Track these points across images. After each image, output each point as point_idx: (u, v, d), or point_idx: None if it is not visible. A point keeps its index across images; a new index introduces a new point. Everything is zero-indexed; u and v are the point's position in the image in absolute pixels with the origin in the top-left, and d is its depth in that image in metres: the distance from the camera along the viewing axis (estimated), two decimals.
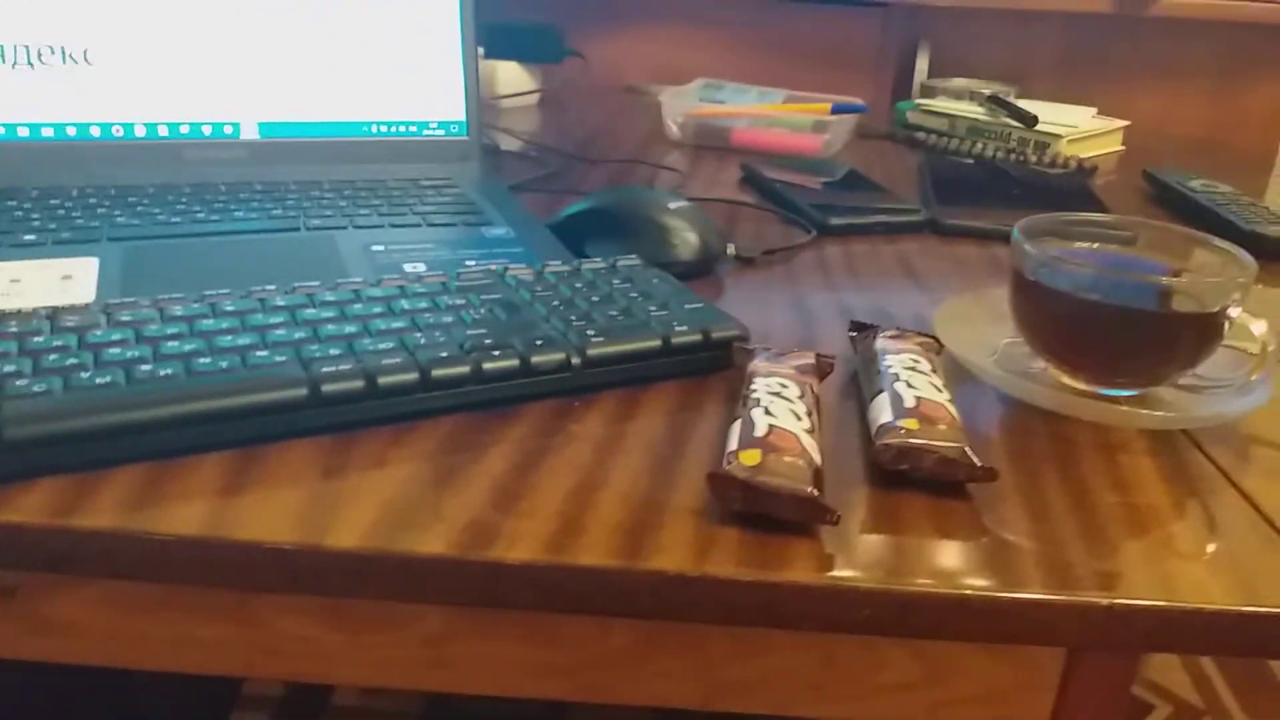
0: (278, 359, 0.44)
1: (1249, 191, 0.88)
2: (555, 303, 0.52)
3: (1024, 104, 1.09)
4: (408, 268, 0.59)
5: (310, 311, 0.48)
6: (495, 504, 0.38)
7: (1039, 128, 1.04)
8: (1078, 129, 1.05)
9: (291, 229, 0.64)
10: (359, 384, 0.43)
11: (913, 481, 0.41)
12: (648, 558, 0.35)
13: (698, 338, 0.50)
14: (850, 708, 0.42)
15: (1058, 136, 1.03)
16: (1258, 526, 0.40)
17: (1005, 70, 1.42)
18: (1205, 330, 0.47)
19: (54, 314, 0.46)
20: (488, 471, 0.40)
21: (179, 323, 0.46)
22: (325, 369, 0.43)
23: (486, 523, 0.37)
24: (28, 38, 0.70)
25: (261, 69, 0.75)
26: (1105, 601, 0.35)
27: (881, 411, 0.43)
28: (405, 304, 0.50)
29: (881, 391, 0.45)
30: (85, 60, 0.71)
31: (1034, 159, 1.02)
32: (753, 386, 0.44)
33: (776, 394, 0.43)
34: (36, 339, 0.44)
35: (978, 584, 0.35)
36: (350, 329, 0.47)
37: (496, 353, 0.46)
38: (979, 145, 1.05)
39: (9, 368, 0.41)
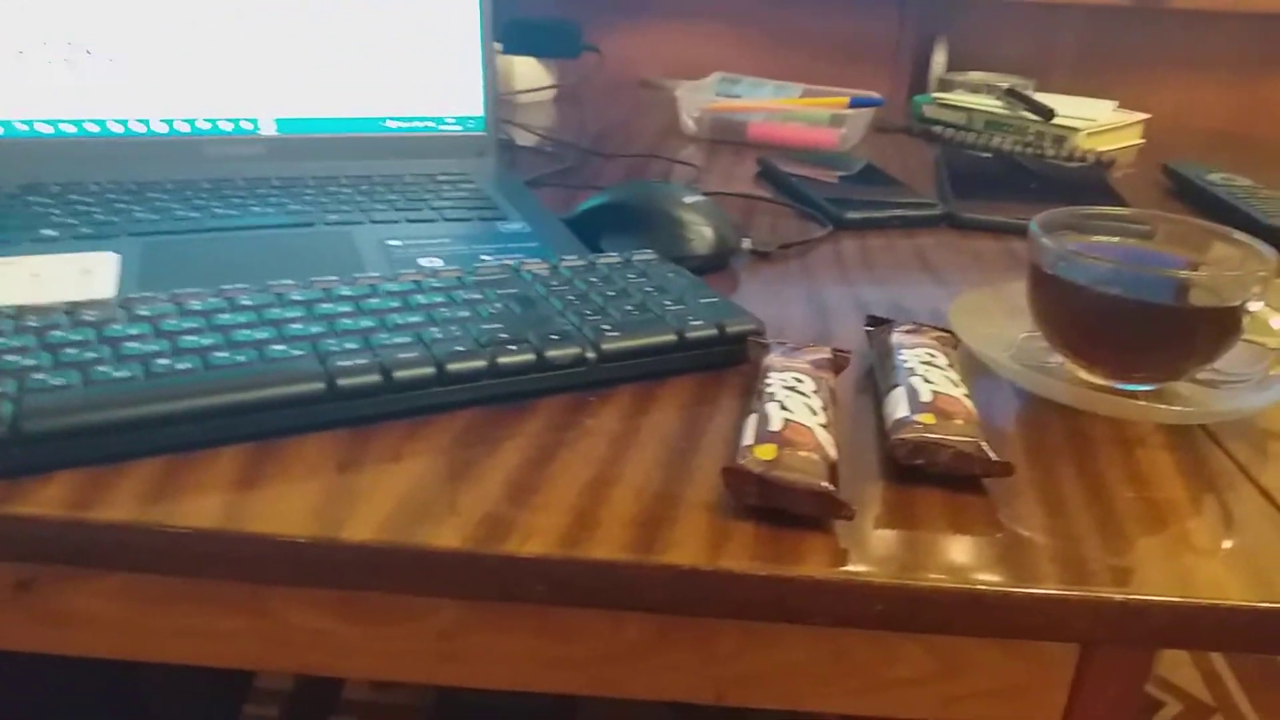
0: (294, 353, 0.44)
1: (1269, 184, 0.87)
2: (570, 297, 0.52)
3: (1042, 97, 1.08)
4: (424, 262, 0.60)
5: (327, 306, 0.49)
6: (509, 498, 0.38)
7: (1056, 121, 1.03)
8: (1096, 122, 1.04)
9: (308, 224, 0.64)
10: (375, 378, 0.43)
11: (928, 476, 0.41)
12: (661, 552, 0.35)
13: (713, 332, 0.50)
14: (862, 702, 0.42)
15: (1075, 130, 1.02)
16: (1275, 522, 0.40)
17: (1023, 63, 1.41)
18: (1224, 324, 0.47)
19: (73, 308, 0.47)
20: (502, 465, 0.40)
21: (196, 317, 0.47)
22: (341, 363, 0.43)
23: (501, 516, 0.37)
24: (48, 35, 0.70)
25: (280, 65, 0.76)
26: (1120, 597, 0.35)
27: (897, 406, 0.43)
28: (421, 299, 0.50)
29: (897, 386, 0.44)
30: (106, 57, 0.72)
31: (1052, 153, 1.01)
32: (768, 381, 0.44)
33: (792, 388, 0.43)
34: (56, 333, 0.44)
35: (992, 579, 0.35)
36: (366, 323, 0.47)
37: (512, 347, 0.46)
38: (996, 139, 1.04)
39: (28, 361, 0.42)
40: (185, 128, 0.74)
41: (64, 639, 0.43)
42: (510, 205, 0.70)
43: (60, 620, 0.42)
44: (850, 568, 0.35)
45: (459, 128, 0.81)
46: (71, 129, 0.71)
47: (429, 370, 0.44)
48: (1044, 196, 0.83)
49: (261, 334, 0.45)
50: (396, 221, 0.66)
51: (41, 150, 0.71)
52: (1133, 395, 0.48)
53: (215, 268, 0.57)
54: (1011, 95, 1.08)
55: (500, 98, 0.88)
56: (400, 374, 0.43)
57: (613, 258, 0.57)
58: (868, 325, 0.53)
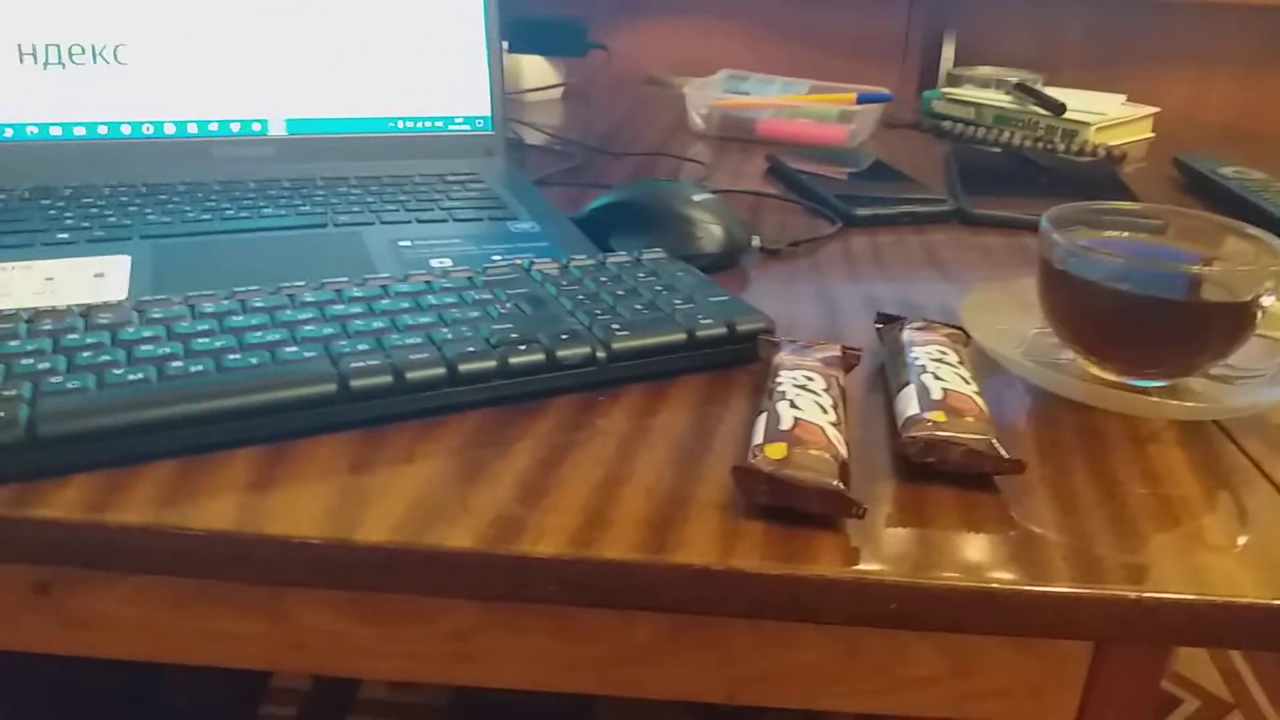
0: (307, 355, 0.44)
1: None
2: (580, 297, 0.52)
3: (1051, 92, 1.07)
4: (434, 263, 0.60)
5: (339, 307, 0.49)
6: (521, 499, 0.38)
7: (1067, 115, 1.03)
8: (1106, 116, 1.04)
9: (319, 225, 0.64)
10: (387, 379, 0.43)
11: (939, 474, 0.41)
12: (673, 551, 0.35)
13: (723, 331, 0.50)
14: (875, 701, 0.42)
15: (1086, 124, 1.02)
16: None
17: (1032, 57, 1.41)
18: (1237, 319, 0.47)
19: (87, 311, 0.47)
20: (514, 466, 0.40)
21: (209, 319, 0.47)
22: (354, 364, 0.43)
23: (513, 517, 0.37)
24: (58, 37, 0.71)
25: (288, 66, 0.76)
26: (1134, 595, 0.35)
27: (908, 403, 0.43)
28: (432, 299, 0.50)
29: (908, 383, 0.44)
30: (115, 59, 0.72)
31: (1062, 147, 1.00)
32: (778, 379, 0.44)
33: (802, 387, 0.43)
34: (70, 336, 0.45)
35: (1005, 577, 0.35)
36: (378, 324, 0.47)
37: (522, 347, 0.46)
38: (1006, 134, 1.04)
39: (43, 365, 0.42)
40: (195, 129, 0.74)
41: (82, 641, 0.43)
42: (519, 204, 0.71)
43: (79, 622, 0.43)
44: (863, 566, 0.35)
45: (467, 127, 0.81)
46: (82, 131, 0.72)
47: (440, 371, 0.44)
48: (1054, 192, 0.83)
49: (274, 336, 0.46)
50: (407, 222, 0.66)
51: (53, 153, 0.71)
52: (1145, 391, 0.48)
53: (227, 270, 0.57)
54: (1021, 90, 1.08)
55: (507, 97, 0.89)
56: (412, 375, 0.43)
57: (622, 257, 0.58)
58: (878, 322, 0.53)
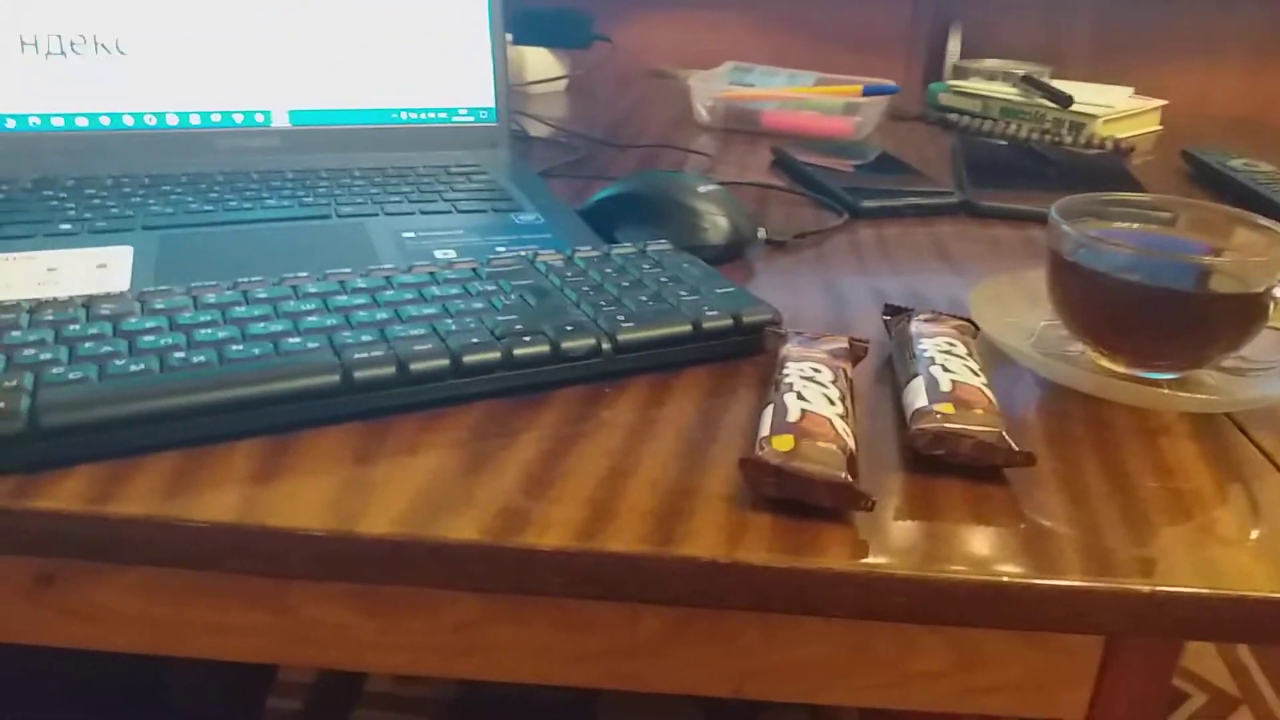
0: (310, 345, 0.44)
1: None
2: (585, 288, 0.51)
3: (1058, 84, 1.07)
4: (438, 254, 0.59)
5: (342, 298, 0.48)
6: (526, 490, 0.38)
7: (1074, 108, 1.02)
8: (1114, 109, 1.03)
9: (323, 216, 0.64)
10: (391, 370, 0.43)
11: (948, 467, 0.40)
12: (679, 544, 0.35)
13: (729, 322, 0.49)
14: (882, 695, 0.41)
15: (1093, 117, 1.01)
16: None
17: (1039, 50, 1.40)
18: (1249, 311, 0.46)
19: (90, 302, 0.47)
20: (519, 458, 0.40)
21: (212, 310, 0.47)
22: (357, 355, 0.43)
23: (518, 509, 0.37)
24: (60, 27, 0.70)
25: (292, 57, 0.76)
26: (1146, 588, 0.34)
27: (917, 396, 0.42)
28: (436, 290, 0.50)
29: (917, 375, 0.44)
30: (118, 50, 0.72)
31: (1069, 140, 1.00)
32: (785, 371, 0.43)
33: (809, 378, 0.42)
34: (73, 327, 0.44)
35: (1015, 571, 0.35)
36: (382, 315, 0.47)
37: (527, 339, 0.46)
38: (1013, 127, 1.04)
39: (45, 355, 0.42)
40: (197, 120, 0.74)
41: (85, 633, 0.43)
42: (524, 196, 0.70)
43: (81, 615, 0.42)
44: (871, 560, 0.35)
45: (471, 119, 0.81)
46: (84, 122, 0.71)
47: (444, 362, 0.44)
48: (1062, 184, 0.83)
49: (277, 327, 0.45)
50: (411, 213, 0.66)
51: (55, 144, 0.71)
52: (1156, 384, 0.47)
53: (230, 261, 0.57)
54: (1028, 82, 1.07)
55: (512, 89, 0.88)
56: (416, 366, 0.43)
57: (627, 248, 0.57)
58: (885, 314, 0.53)
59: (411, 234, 0.62)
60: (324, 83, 0.77)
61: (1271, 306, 0.46)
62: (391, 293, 0.49)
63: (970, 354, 0.46)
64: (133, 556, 0.37)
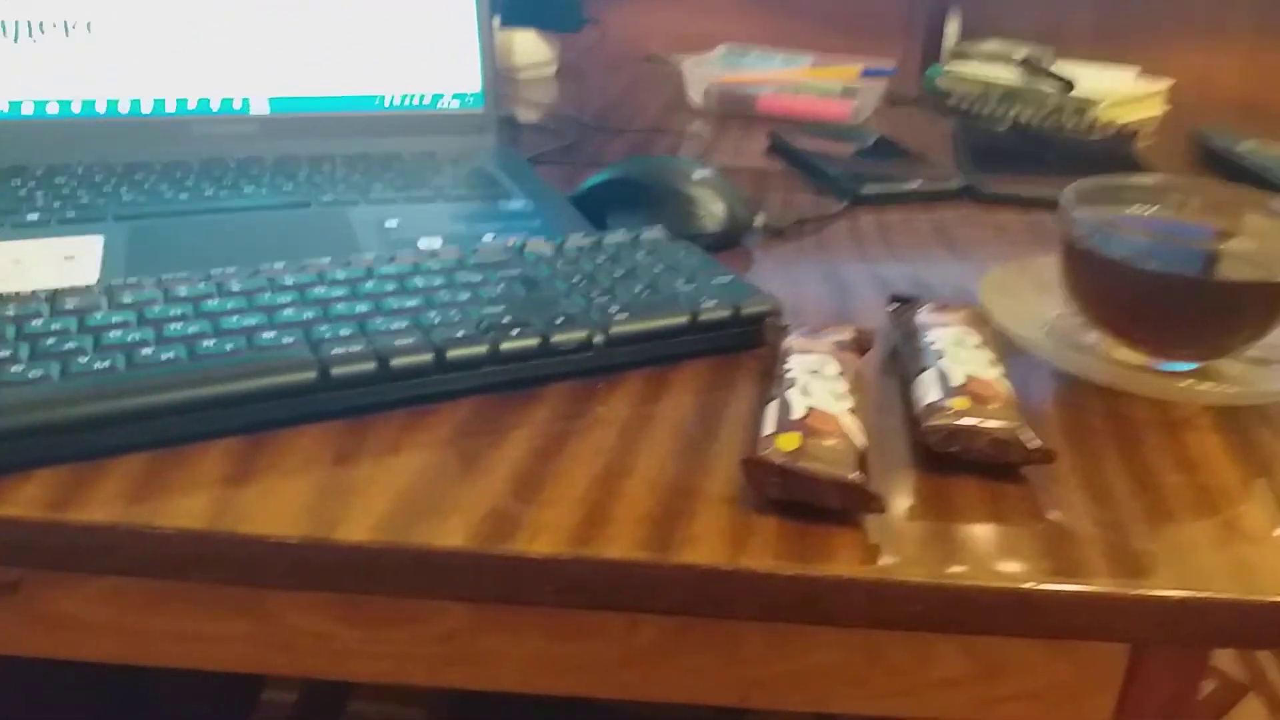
0: (285, 340, 0.41)
1: None
2: (576, 278, 0.49)
3: (1060, 66, 1.04)
4: (422, 243, 0.57)
5: (320, 290, 0.46)
6: (515, 492, 0.36)
7: (1077, 92, 1.00)
8: (1117, 92, 1.01)
9: (303, 204, 0.62)
10: (370, 366, 0.40)
11: (963, 464, 0.38)
12: (678, 550, 0.33)
13: (727, 313, 0.47)
14: (896, 704, 0.39)
15: (1096, 100, 0.99)
16: None
17: (1040, 31, 1.37)
18: (1272, 299, 0.44)
19: (54, 296, 0.44)
20: (507, 457, 0.38)
21: (183, 303, 0.44)
22: (335, 350, 0.41)
23: (506, 513, 0.34)
24: (29, 11, 0.67)
25: (272, 41, 0.73)
26: (1177, 595, 0.32)
27: (928, 389, 0.40)
28: (419, 281, 0.48)
29: (926, 368, 0.42)
30: (88, 33, 0.69)
31: (1072, 124, 0.98)
32: (788, 365, 0.41)
33: (814, 372, 0.40)
34: (35, 322, 0.42)
35: (1037, 576, 0.33)
36: (362, 308, 0.45)
37: (515, 331, 0.43)
38: (1014, 110, 1.01)
39: (4, 353, 0.39)
40: (173, 107, 0.71)
41: (54, 642, 0.40)
42: (512, 183, 0.68)
43: (49, 623, 0.40)
44: (883, 565, 0.33)
45: (457, 104, 0.78)
46: (56, 110, 0.69)
47: (427, 357, 0.41)
48: (1066, 169, 0.80)
49: (251, 320, 0.43)
50: (394, 201, 0.63)
51: (25, 132, 0.68)
52: (1176, 375, 0.45)
53: (205, 251, 0.55)
54: (1029, 65, 1.05)
55: (500, 73, 0.85)
56: (397, 361, 0.41)
57: (620, 236, 0.55)
58: (891, 304, 0.50)
59: (395, 222, 0.60)
60: (305, 68, 0.74)
61: None
62: (372, 284, 0.47)
63: (983, 345, 0.44)
64: (96, 565, 0.34)
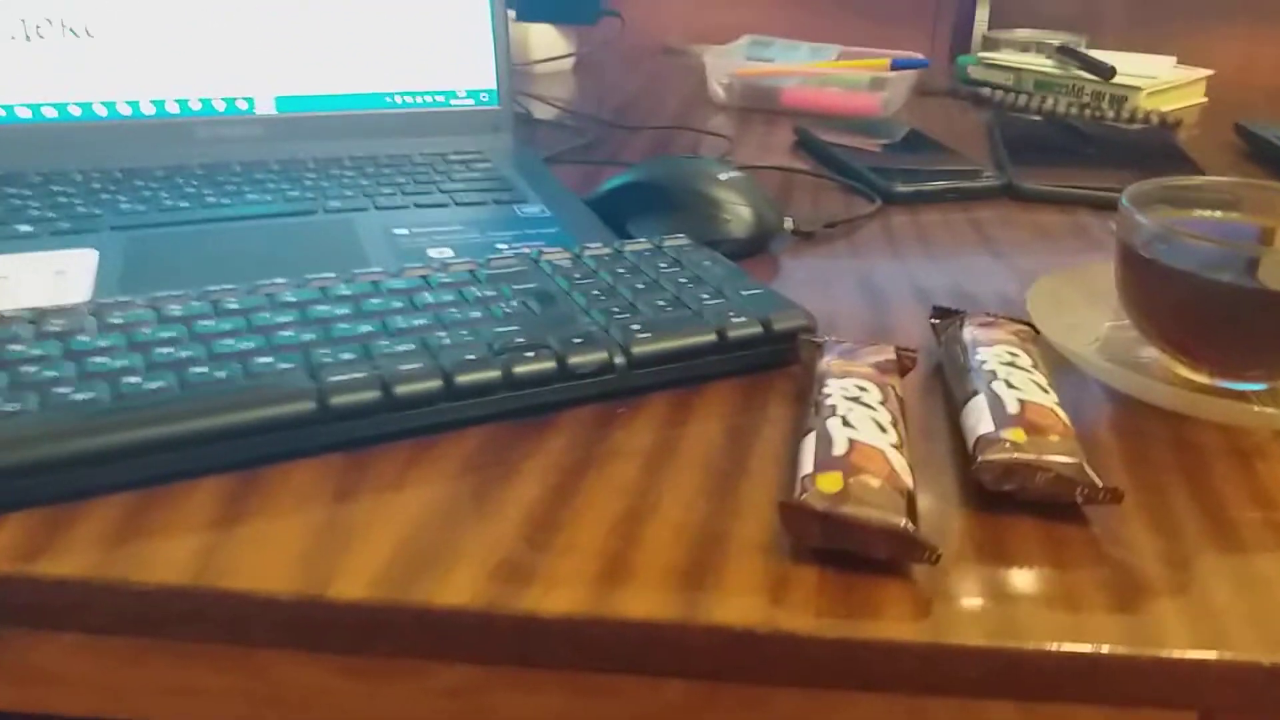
0: (282, 366, 0.38)
1: None
2: (595, 291, 0.46)
3: (1095, 54, 1.00)
4: (433, 253, 0.54)
5: (322, 308, 0.43)
6: (528, 538, 0.33)
7: (1115, 80, 0.96)
8: (1158, 80, 0.97)
9: (308, 212, 0.59)
10: (373, 395, 0.37)
11: (1018, 502, 0.35)
12: (709, 609, 0.30)
13: (757, 330, 0.44)
14: None
15: (1136, 89, 0.95)
16: None
17: (1072, 18, 1.32)
18: None
19: (39, 317, 0.41)
20: (520, 497, 0.35)
21: (176, 324, 0.41)
22: (335, 378, 0.37)
23: (518, 563, 0.31)
24: (25, 11, 0.65)
25: (277, 39, 0.70)
26: (1267, 661, 0.29)
27: (980, 419, 0.37)
28: (429, 297, 0.44)
29: (977, 393, 0.38)
30: (87, 34, 0.66)
31: (1111, 114, 0.93)
32: (825, 390, 0.38)
33: (855, 399, 0.37)
34: (14, 347, 0.39)
35: (1105, 636, 0.29)
36: (366, 328, 0.42)
37: (530, 354, 0.40)
38: (1049, 101, 0.97)
39: None
40: (176, 109, 0.68)
41: (30, 697, 0.37)
42: (528, 186, 0.65)
43: (24, 678, 0.37)
44: (935, 624, 0.29)
45: (471, 102, 0.75)
46: (53, 113, 0.66)
47: (435, 384, 0.38)
48: (1108, 163, 0.76)
49: (247, 344, 0.40)
50: (404, 207, 0.60)
51: (20, 137, 0.65)
52: (1245, 397, 0.42)
53: (204, 263, 0.52)
54: (1065, 53, 1.01)
55: (514, 68, 0.82)
56: (402, 389, 0.38)
57: (641, 244, 0.52)
58: (934, 317, 0.47)
59: (404, 230, 0.56)
60: (312, 66, 0.71)
61: None
62: (378, 300, 0.44)
63: (1035, 365, 0.40)
64: (69, 623, 0.32)
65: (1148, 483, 0.37)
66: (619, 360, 0.41)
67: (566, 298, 0.46)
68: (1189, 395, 0.41)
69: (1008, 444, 0.35)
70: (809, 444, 0.34)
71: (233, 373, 0.38)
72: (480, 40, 0.75)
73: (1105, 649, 0.29)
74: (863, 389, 0.38)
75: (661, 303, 0.45)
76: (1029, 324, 0.45)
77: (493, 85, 0.75)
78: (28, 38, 0.65)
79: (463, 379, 0.39)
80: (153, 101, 0.68)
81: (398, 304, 0.44)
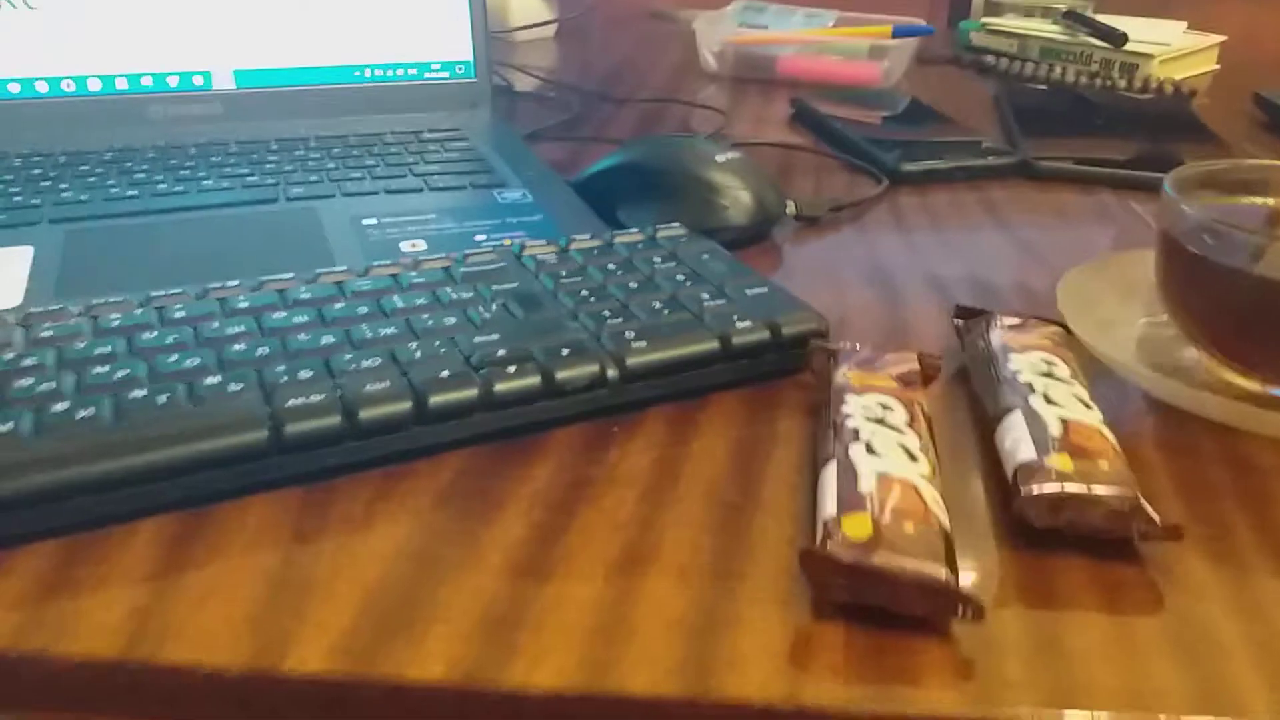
0: (233, 388, 0.34)
1: None
2: (584, 292, 0.41)
3: (1100, 19, 0.95)
4: (405, 246, 0.49)
5: (279, 315, 0.39)
6: (512, 591, 0.28)
7: (1126, 47, 0.91)
8: (1170, 47, 0.92)
9: (269, 200, 0.54)
10: (334, 421, 0.33)
11: (1062, 537, 0.31)
12: (721, 678, 0.26)
13: (764, 335, 0.39)
14: None
15: (1149, 56, 0.90)
16: None
17: None
18: None
19: None
20: (501, 538, 0.31)
21: (114, 337, 0.37)
22: (292, 401, 0.33)
23: (501, 622, 0.27)
24: None
25: (236, 7, 0.65)
26: None
27: (1019, 442, 0.33)
28: (399, 301, 0.40)
29: (1013, 409, 0.34)
30: (26, 4, 0.61)
31: (1123, 83, 0.89)
32: (845, 409, 0.34)
33: (879, 420, 0.33)
34: None
35: (1175, 705, 0.25)
36: (328, 339, 0.37)
37: (512, 369, 0.36)
38: (1056, 69, 0.92)
39: None
40: (125, 85, 0.63)
41: None
42: (508, 168, 0.60)
43: None
44: (984, 691, 0.26)
45: (445, 75, 0.70)
46: None
47: (405, 406, 0.34)
48: (1124, 136, 0.72)
49: (193, 360, 0.35)
50: (374, 193, 0.55)
51: None
52: None
53: (151, 261, 0.47)
54: (1072, 19, 0.96)
55: (492, 36, 0.77)
56: (368, 414, 0.33)
57: (633, 235, 0.47)
58: (957, 318, 0.43)
59: (373, 220, 0.52)
60: (274, 37, 0.66)
61: None
62: (342, 306, 0.40)
63: (1074, 376, 0.36)
64: None
65: (1205, 512, 0.33)
66: (611, 373, 0.37)
67: (552, 299, 0.41)
68: (1248, 409, 0.37)
69: (1054, 473, 0.31)
70: (829, 476, 0.30)
71: (176, 395, 0.33)
72: (456, 7, 0.70)
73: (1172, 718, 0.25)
74: (887, 407, 0.33)
75: (657, 304, 0.41)
76: (1061, 324, 0.41)
77: (469, 57, 0.70)
78: None
79: (436, 399, 0.34)
80: (100, 77, 0.63)
81: (364, 309, 0.39)
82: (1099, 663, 0.27)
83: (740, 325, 0.39)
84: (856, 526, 0.28)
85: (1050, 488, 0.30)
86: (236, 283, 0.41)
